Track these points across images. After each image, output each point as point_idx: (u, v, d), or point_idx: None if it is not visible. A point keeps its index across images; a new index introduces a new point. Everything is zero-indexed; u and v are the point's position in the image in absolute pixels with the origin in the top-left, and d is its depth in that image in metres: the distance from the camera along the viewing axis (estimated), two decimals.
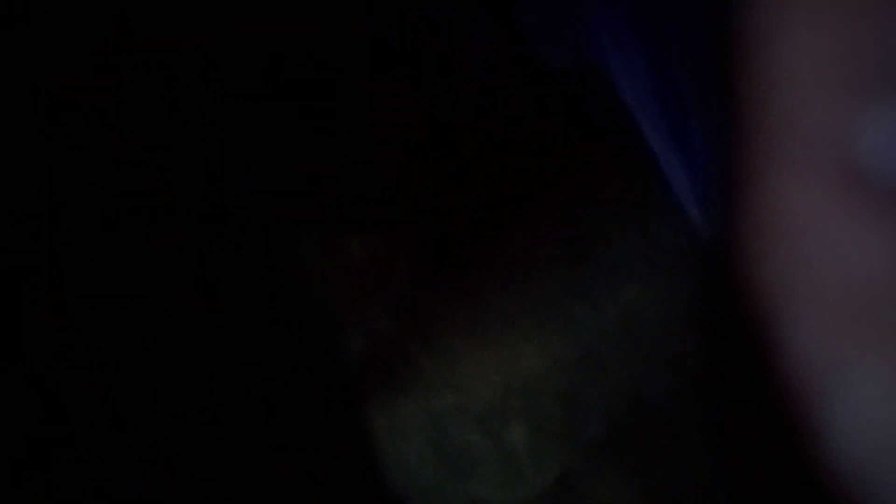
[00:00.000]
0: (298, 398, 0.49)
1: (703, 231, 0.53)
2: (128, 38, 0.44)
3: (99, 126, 0.44)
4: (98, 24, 0.44)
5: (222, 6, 0.46)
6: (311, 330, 0.50)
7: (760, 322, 0.21)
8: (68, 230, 0.44)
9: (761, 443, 0.22)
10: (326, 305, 0.53)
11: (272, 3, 0.49)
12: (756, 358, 0.21)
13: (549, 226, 0.83)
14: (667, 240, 0.82)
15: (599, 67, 0.56)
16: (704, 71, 0.49)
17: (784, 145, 0.20)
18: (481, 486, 0.84)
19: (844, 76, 0.20)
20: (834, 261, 0.20)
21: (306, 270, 0.52)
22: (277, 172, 0.50)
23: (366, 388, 0.83)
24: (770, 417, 0.21)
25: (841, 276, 0.20)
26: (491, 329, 0.84)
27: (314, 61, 0.50)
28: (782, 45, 0.20)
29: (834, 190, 0.20)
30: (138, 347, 0.45)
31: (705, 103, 0.50)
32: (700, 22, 0.48)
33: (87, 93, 0.44)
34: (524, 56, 0.55)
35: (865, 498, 0.20)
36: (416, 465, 0.84)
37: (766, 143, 0.20)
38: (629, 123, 0.54)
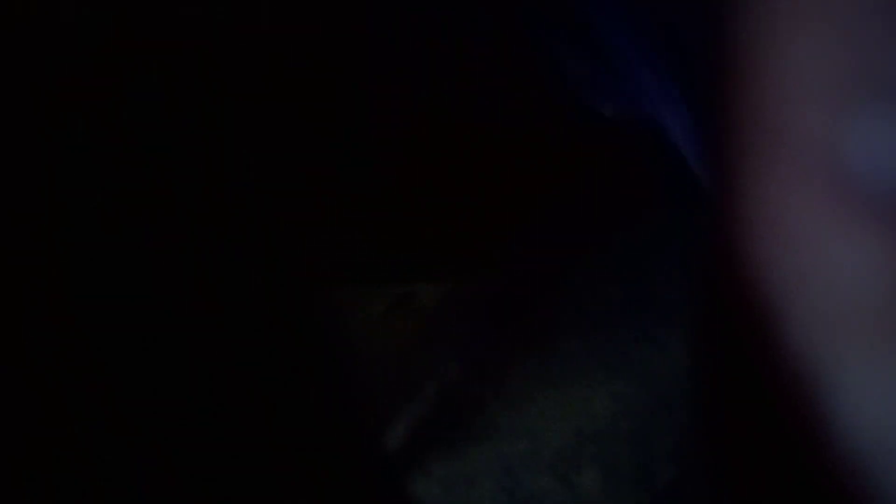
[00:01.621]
0: (300, 400, 0.47)
1: None
2: (127, 37, 0.43)
3: (97, 126, 0.43)
4: (98, 23, 0.43)
5: (222, 6, 0.45)
6: (310, 330, 0.48)
7: (760, 324, 0.20)
8: (68, 230, 0.43)
9: (762, 443, 0.22)
10: (330, 308, 0.51)
11: (272, 3, 0.48)
12: (755, 359, 0.21)
13: (611, 268, 0.81)
14: None
15: (651, 118, 0.55)
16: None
17: (775, 152, 0.20)
18: None
19: (834, 82, 0.19)
20: (827, 266, 0.20)
21: (305, 280, 0.50)
22: (276, 172, 0.48)
23: (438, 436, 0.82)
24: (771, 419, 0.21)
25: (834, 281, 0.20)
26: (560, 375, 0.82)
27: (314, 61, 0.49)
28: (773, 52, 0.20)
29: (825, 196, 0.20)
30: (139, 348, 0.43)
31: None
32: None
33: (87, 93, 0.43)
34: (526, 57, 0.54)
35: (867, 495, 0.20)
36: None
37: (757, 149, 0.20)
38: (685, 170, 0.53)
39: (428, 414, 0.82)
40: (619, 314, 0.82)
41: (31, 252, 0.42)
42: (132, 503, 0.42)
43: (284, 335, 0.48)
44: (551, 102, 0.60)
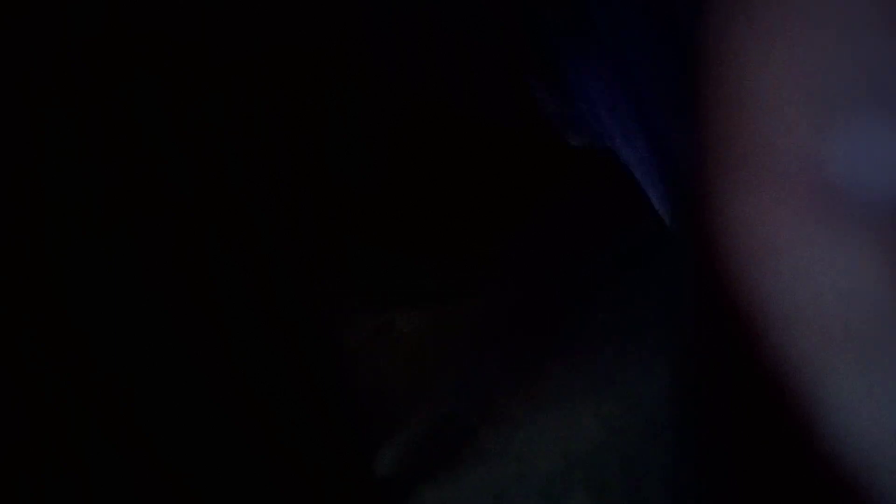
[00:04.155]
0: (290, 429, 0.44)
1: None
2: (120, 34, 0.40)
3: (91, 125, 0.40)
4: (93, 20, 0.40)
5: (219, 4, 0.42)
6: (296, 361, 0.45)
7: (748, 336, 0.20)
8: (63, 230, 0.40)
9: (755, 451, 0.21)
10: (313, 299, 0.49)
11: (272, 3, 0.45)
12: (745, 370, 0.20)
13: (592, 291, 0.78)
14: None
15: (612, 150, 0.56)
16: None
17: (757, 165, 0.19)
18: None
19: (816, 95, 0.19)
20: (813, 275, 0.19)
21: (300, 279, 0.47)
22: (272, 171, 0.45)
23: (427, 462, 0.79)
24: (763, 427, 0.21)
25: (821, 290, 0.19)
26: (546, 398, 0.79)
27: (313, 61, 0.46)
28: (753, 66, 0.19)
29: (810, 206, 0.19)
30: (138, 351, 0.41)
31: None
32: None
33: (82, 90, 0.40)
34: (526, 58, 0.52)
35: (863, 491, 0.19)
36: None
37: (739, 162, 0.20)
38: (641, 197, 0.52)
39: (416, 440, 0.80)
40: (603, 336, 0.79)
41: (27, 251, 0.40)
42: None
43: (275, 362, 0.46)
44: (526, 132, 0.59)
